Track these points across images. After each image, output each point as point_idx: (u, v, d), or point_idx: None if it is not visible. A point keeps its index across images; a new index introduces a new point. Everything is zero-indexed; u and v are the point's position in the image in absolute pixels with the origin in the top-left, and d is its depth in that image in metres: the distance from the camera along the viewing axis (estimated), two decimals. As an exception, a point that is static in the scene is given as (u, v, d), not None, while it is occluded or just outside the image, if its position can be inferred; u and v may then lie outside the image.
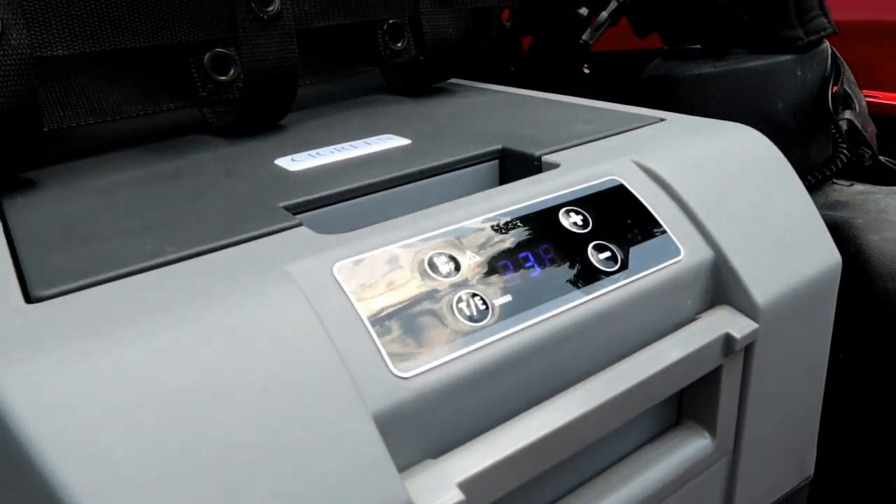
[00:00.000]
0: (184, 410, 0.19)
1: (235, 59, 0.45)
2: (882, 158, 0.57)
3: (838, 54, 0.56)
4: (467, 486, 0.22)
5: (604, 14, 0.56)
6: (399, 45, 0.52)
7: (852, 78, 0.55)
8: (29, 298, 0.23)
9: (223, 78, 0.45)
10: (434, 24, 0.49)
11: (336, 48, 0.51)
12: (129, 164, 0.39)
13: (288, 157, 0.37)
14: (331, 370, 0.21)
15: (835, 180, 0.58)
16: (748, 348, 0.31)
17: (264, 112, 0.44)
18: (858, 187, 0.57)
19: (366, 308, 0.23)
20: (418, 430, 0.23)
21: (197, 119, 0.46)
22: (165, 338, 0.20)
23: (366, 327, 0.23)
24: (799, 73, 0.55)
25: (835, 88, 0.55)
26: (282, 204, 0.30)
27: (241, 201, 0.31)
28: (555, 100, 0.47)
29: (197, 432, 0.19)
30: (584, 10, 0.59)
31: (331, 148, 0.38)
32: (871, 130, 0.53)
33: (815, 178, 0.57)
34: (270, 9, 0.40)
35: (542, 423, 0.24)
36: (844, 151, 0.57)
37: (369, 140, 0.39)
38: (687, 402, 0.32)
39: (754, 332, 0.30)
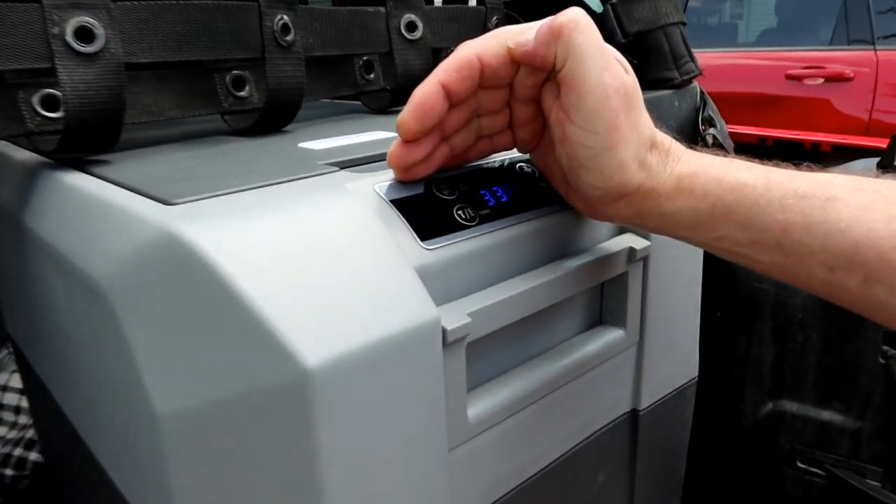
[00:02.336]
0: (303, 245, 0.31)
1: (250, 79, 0.57)
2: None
3: (704, 90, 0.74)
4: (473, 315, 0.34)
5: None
6: (371, 76, 0.66)
7: (715, 107, 0.73)
8: (167, 203, 0.34)
9: (241, 94, 0.57)
10: (403, 59, 0.63)
11: (324, 75, 0.64)
12: (179, 150, 0.50)
13: (308, 143, 0.49)
14: (386, 239, 0.33)
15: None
16: (645, 261, 0.44)
17: (279, 118, 0.56)
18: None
19: (400, 208, 0.36)
20: (438, 280, 0.35)
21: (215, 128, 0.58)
22: (291, 211, 0.32)
23: (402, 220, 0.35)
24: (676, 104, 0.73)
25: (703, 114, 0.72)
26: (320, 162, 0.42)
27: (290, 162, 0.43)
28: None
29: (306, 258, 0.31)
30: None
31: (338, 137, 0.51)
32: (729, 143, 0.70)
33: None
34: (288, 38, 0.53)
35: (515, 287, 0.37)
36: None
37: (364, 133, 0.52)
38: (605, 305, 0.46)
39: (647, 247, 0.44)
